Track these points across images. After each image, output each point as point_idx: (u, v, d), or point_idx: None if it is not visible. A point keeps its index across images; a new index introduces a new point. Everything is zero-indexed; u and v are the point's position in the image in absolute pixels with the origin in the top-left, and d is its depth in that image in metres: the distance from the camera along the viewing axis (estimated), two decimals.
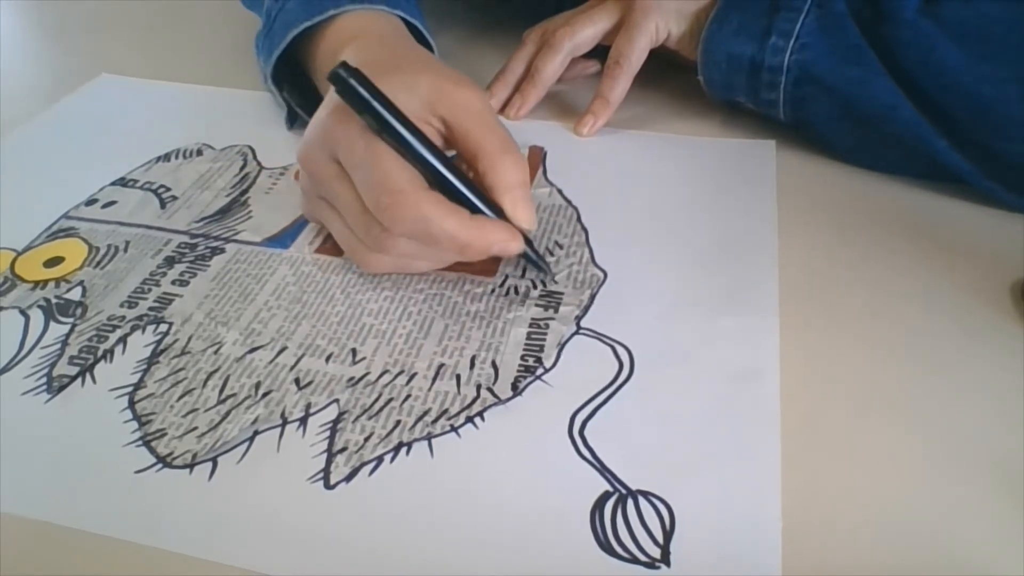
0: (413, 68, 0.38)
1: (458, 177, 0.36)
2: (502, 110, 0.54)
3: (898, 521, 0.29)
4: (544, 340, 0.36)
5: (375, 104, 0.34)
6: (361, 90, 0.34)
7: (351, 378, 0.35)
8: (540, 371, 0.35)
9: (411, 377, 0.35)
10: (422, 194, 0.34)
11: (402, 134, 0.34)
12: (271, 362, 0.36)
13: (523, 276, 0.40)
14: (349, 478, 0.31)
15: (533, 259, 0.38)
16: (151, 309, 0.39)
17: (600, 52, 0.53)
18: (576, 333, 0.37)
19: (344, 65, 0.34)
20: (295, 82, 0.50)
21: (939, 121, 0.42)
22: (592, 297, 0.39)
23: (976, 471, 0.31)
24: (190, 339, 0.37)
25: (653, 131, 0.52)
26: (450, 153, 0.37)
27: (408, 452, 0.32)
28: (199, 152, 0.51)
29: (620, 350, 0.36)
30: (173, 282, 0.40)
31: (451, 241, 0.35)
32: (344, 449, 0.32)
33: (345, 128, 0.36)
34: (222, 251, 0.42)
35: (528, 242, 0.37)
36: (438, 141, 0.37)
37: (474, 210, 0.36)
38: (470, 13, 0.67)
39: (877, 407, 0.33)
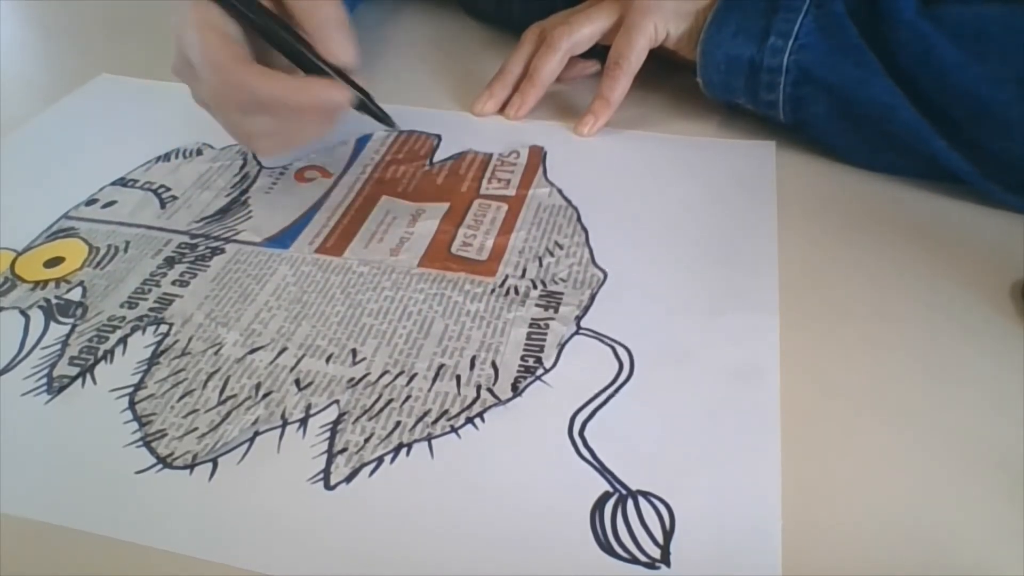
0: None
1: (291, 36, 0.39)
2: (501, 110, 0.54)
3: (898, 521, 0.29)
4: (544, 340, 0.36)
5: None
6: None
7: (351, 379, 0.35)
8: (540, 371, 0.35)
9: (411, 378, 0.35)
10: (242, 65, 0.37)
11: (264, 21, 0.38)
12: (271, 363, 0.36)
13: (523, 276, 0.40)
14: (349, 479, 0.31)
15: (371, 109, 0.42)
16: (151, 310, 0.39)
17: (599, 52, 0.53)
18: (576, 333, 0.37)
19: None
20: None
21: (938, 121, 0.42)
22: (592, 297, 0.39)
23: (976, 471, 0.31)
24: (190, 340, 0.37)
25: (653, 131, 0.52)
26: None
27: (408, 453, 0.32)
28: (199, 152, 0.51)
29: (620, 350, 0.36)
30: (173, 282, 0.40)
31: (276, 101, 0.38)
32: (344, 450, 0.32)
33: (183, 26, 0.38)
34: (222, 251, 0.42)
35: (365, 94, 0.41)
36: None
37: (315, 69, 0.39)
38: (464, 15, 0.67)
39: (877, 407, 0.33)
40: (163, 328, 0.38)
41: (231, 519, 0.30)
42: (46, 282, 0.40)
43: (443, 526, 0.29)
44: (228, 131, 0.42)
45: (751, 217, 0.44)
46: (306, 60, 0.40)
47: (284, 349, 0.36)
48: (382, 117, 0.44)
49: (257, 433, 0.33)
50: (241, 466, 0.32)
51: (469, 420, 0.33)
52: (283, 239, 0.43)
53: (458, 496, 0.30)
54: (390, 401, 0.34)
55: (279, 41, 0.39)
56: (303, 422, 0.33)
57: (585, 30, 0.51)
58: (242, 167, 0.49)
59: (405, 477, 0.31)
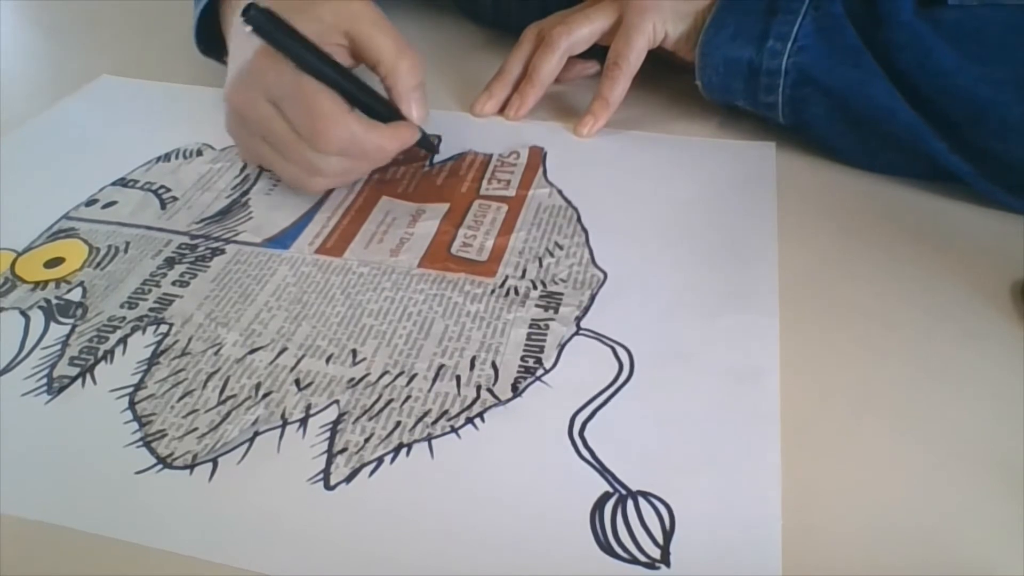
0: (310, 4, 0.42)
1: (363, 91, 0.43)
2: (501, 110, 0.54)
3: (898, 521, 0.29)
4: (544, 341, 0.37)
5: (287, 40, 0.40)
6: (273, 29, 0.39)
7: (351, 379, 0.35)
8: (540, 372, 0.35)
9: (411, 378, 0.35)
10: (347, 116, 0.41)
11: (314, 63, 0.40)
12: (271, 363, 0.36)
13: (523, 277, 0.40)
14: (349, 479, 0.31)
15: (425, 142, 0.47)
16: (151, 310, 0.39)
17: (598, 53, 0.53)
18: (576, 334, 0.37)
19: (254, 6, 0.39)
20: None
21: (937, 123, 0.42)
22: (592, 298, 0.39)
23: (976, 471, 0.31)
24: (190, 340, 0.37)
25: (653, 132, 0.52)
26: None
27: (408, 453, 0.32)
28: (199, 152, 0.51)
29: (620, 351, 0.36)
30: (173, 283, 0.40)
31: (379, 151, 0.43)
32: (344, 450, 0.32)
33: (272, 67, 0.40)
34: (222, 252, 0.42)
35: (421, 131, 0.45)
36: (346, 58, 0.43)
37: (377, 112, 0.43)
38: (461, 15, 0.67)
39: (877, 407, 0.33)
40: (163, 328, 0.38)
41: (231, 519, 0.30)
42: (46, 282, 0.40)
43: (443, 526, 0.29)
44: (289, 170, 0.43)
45: (751, 217, 0.44)
46: (352, 96, 0.42)
47: (284, 349, 0.36)
48: (431, 146, 0.48)
49: (257, 433, 0.33)
50: (241, 466, 0.32)
51: (469, 420, 0.33)
52: (283, 240, 0.43)
53: (458, 496, 0.30)
54: (390, 401, 0.34)
55: (351, 96, 0.42)
56: (303, 422, 0.33)
57: (583, 30, 0.51)
58: (243, 169, 0.49)
59: (405, 477, 0.31)
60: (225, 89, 0.43)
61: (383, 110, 0.44)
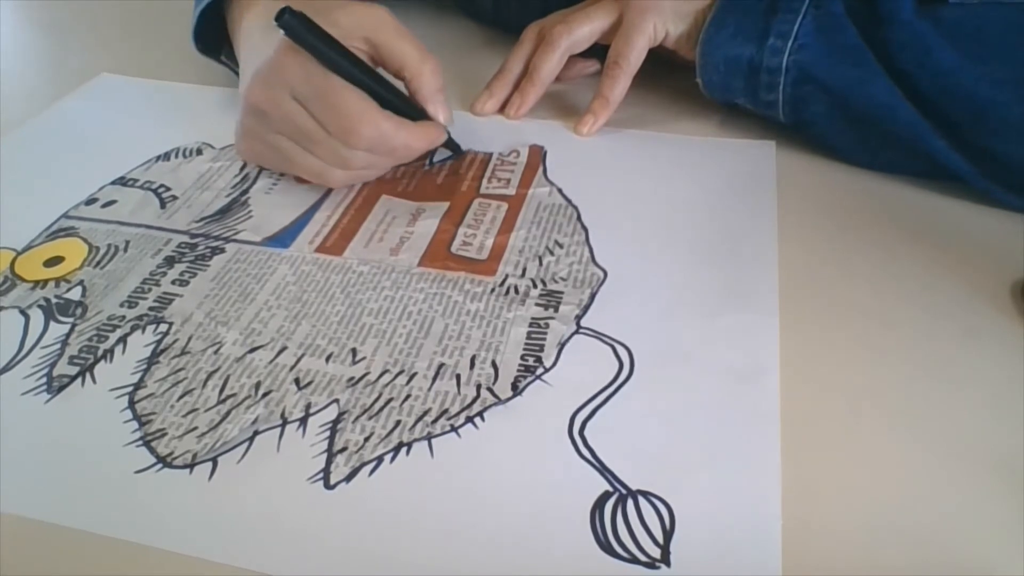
0: (328, 7, 0.44)
1: (390, 92, 0.44)
2: (501, 109, 0.54)
3: (898, 521, 0.29)
4: (544, 340, 0.36)
5: (320, 44, 0.40)
6: (306, 32, 0.40)
7: (351, 378, 0.35)
8: (540, 371, 0.35)
9: (411, 377, 0.35)
10: (377, 113, 0.42)
11: (347, 66, 0.41)
12: (271, 362, 0.36)
13: (523, 275, 0.40)
14: (349, 478, 0.31)
15: (451, 144, 0.48)
16: (151, 309, 0.39)
17: (599, 52, 0.53)
18: (576, 332, 0.37)
19: (289, 10, 0.40)
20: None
21: (937, 122, 0.42)
22: (592, 296, 0.39)
23: (976, 471, 0.31)
24: (190, 339, 0.37)
25: (653, 131, 0.52)
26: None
27: (408, 452, 0.32)
28: (199, 151, 0.51)
29: (620, 349, 0.36)
30: (173, 282, 0.40)
31: (406, 148, 0.44)
32: (344, 449, 0.32)
33: (300, 66, 0.41)
34: (222, 251, 0.42)
35: (447, 131, 0.47)
36: (367, 60, 0.44)
37: (403, 112, 0.44)
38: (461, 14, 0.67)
39: (877, 407, 0.33)
40: (163, 327, 0.38)
41: (231, 518, 0.30)
42: (46, 281, 0.40)
43: (443, 525, 0.29)
44: (310, 162, 0.43)
45: (751, 217, 0.44)
46: (381, 98, 0.43)
47: (284, 348, 0.36)
48: (456, 147, 0.49)
49: (257, 432, 0.33)
50: (241, 465, 0.32)
51: (469, 419, 0.33)
52: (283, 238, 0.43)
53: (458, 495, 0.30)
54: (390, 400, 0.34)
55: (379, 96, 0.43)
56: (303, 421, 0.33)
57: (584, 29, 0.51)
58: (242, 168, 0.49)
59: (405, 476, 0.31)
60: (243, 87, 0.43)
61: (410, 111, 0.45)
